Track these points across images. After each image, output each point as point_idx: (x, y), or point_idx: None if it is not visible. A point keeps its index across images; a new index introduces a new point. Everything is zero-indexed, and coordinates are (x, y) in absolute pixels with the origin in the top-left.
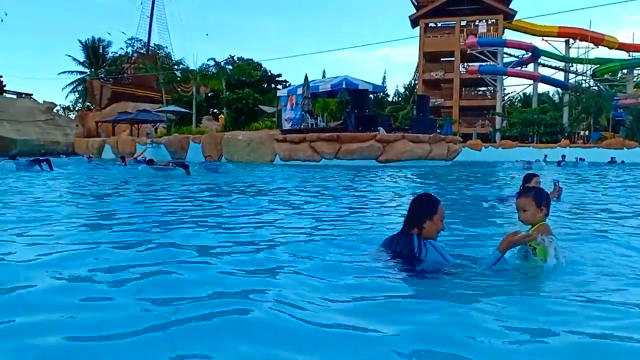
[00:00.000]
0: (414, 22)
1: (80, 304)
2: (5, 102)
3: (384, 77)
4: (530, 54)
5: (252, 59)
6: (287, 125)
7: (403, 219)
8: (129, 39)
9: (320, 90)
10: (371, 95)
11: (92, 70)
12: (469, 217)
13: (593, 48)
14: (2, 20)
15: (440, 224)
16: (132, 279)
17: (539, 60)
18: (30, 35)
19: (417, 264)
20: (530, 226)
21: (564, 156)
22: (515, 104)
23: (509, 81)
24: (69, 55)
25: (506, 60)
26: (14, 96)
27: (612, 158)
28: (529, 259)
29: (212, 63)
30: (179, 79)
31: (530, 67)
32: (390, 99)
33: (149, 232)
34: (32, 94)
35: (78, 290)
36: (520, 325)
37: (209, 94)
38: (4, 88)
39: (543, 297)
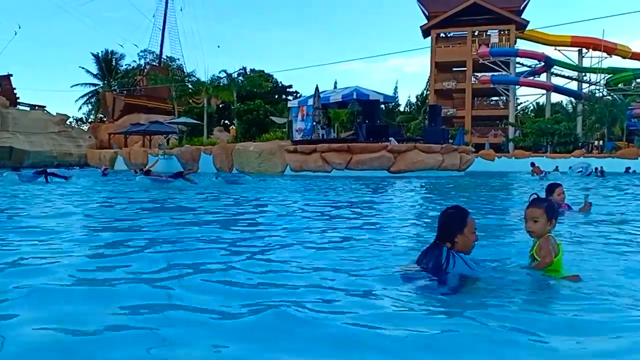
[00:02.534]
0: (426, 33)
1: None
2: (19, 114)
3: (396, 87)
4: (542, 63)
5: (263, 71)
6: (297, 136)
7: (418, 230)
8: (141, 51)
9: (331, 101)
10: (382, 106)
11: (105, 82)
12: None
13: (606, 57)
14: (15, 34)
15: (472, 236)
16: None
17: (552, 69)
18: (44, 48)
19: (441, 277)
20: (535, 238)
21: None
22: (528, 113)
23: (521, 91)
24: (82, 68)
25: (518, 70)
26: (28, 108)
27: (627, 168)
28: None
29: (223, 75)
30: (190, 91)
31: (543, 77)
32: (402, 109)
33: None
34: (45, 106)
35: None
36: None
37: (220, 106)
38: (18, 100)
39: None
